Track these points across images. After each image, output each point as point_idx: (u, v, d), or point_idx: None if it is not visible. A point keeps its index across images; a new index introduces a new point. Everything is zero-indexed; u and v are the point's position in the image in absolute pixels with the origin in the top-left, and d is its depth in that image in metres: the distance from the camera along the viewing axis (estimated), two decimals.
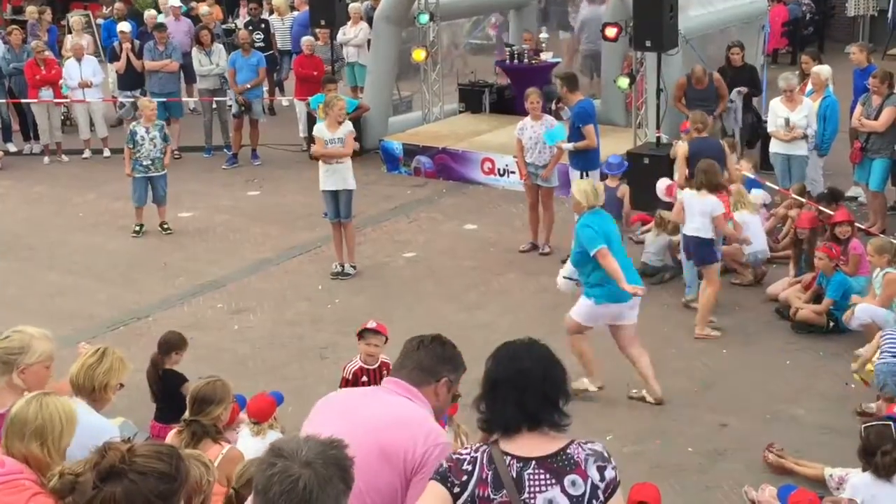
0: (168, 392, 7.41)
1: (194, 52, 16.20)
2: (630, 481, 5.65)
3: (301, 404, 8.17)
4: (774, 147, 12.03)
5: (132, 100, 15.99)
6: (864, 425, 6.51)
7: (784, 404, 8.25)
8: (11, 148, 16.79)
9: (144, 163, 12.42)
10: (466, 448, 3.50)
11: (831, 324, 9.33)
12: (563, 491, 3.35)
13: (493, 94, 16.75)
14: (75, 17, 18.72)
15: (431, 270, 11.34)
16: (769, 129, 12.12)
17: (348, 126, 10.99)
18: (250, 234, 12.65)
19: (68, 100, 16.23)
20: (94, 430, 4.67)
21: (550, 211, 11.53)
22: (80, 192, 14.61)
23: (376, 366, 7.15)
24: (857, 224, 10.32)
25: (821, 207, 10.67)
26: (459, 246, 12.00)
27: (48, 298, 10.85)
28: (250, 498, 2.91)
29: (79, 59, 16.05)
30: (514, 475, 3.37)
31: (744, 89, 13.38)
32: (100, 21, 20.99)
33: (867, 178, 11.69)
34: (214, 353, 9.28)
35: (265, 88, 16.82)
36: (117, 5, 19.63)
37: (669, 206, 10.98)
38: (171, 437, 5.75)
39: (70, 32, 18.06)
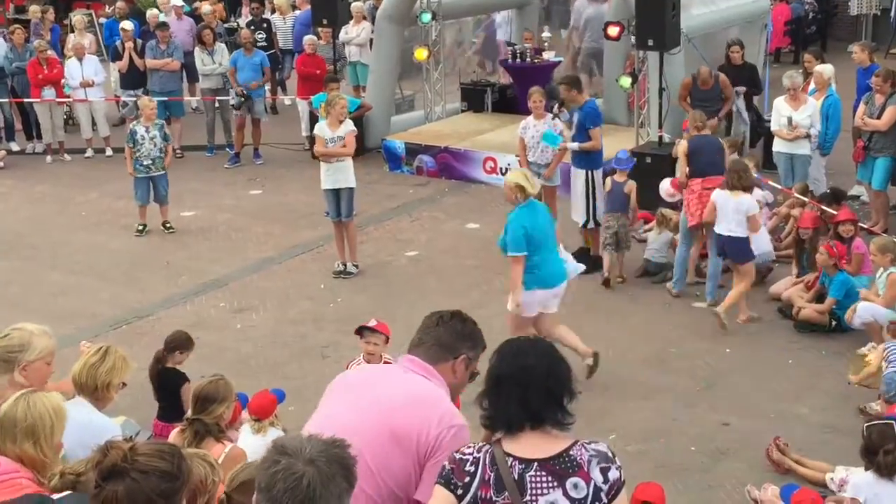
0: (167, 390, 7.41)
1: (196, 51, 16.22)
2: (633, 481, 5.65)
3: (303, 403, 8.20)
4: (777, 146, 12.02)
5: (135, 99, 15.97)
6: (866, 424, 6.51)
7: (786, 403, 8.25)
8: (14, 147, 16.82)
9: (145, 162, 12.43)
10: (469, 448, 3.46)
11: (834, 323, 9.32)
12: (565, 494, 3.33)
13: (495, 93, 16.76)
14: (78, 17, 18.74)
15: (434, 269, 11.34)
16: (772, 128, 12.11)
17: (350, 125, 10.99)
18: (253, 233, 12.65)
19: (70, 99, 16.24)
20: (96, 428, 4.68)
21: (553, 210, 11.50)
22: (83, 191, 14.62)
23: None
24: (859, 223, 10.31)
25: (823, 207, 10.67)
26: (461, 245, 12.00)
27: (51, 297, 10.85)
28: (255, 495, 2.90)
29: (80, 59, 16.05)
30: (516, 477, 3.34)
31: (742, 88, 13.38)
32: (102, 20, 21.01)
33: (870, 176, 11.69)
34: (217, 351, 9.28)
35: (267, 87, 16.82)
36: (119, 4, 19.63)
37: (671, 205, 11.00)
38: (174, 435, 5.76)
39: (72, 32, 18.07)
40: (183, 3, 18.76)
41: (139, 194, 12.60)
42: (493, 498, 3.35)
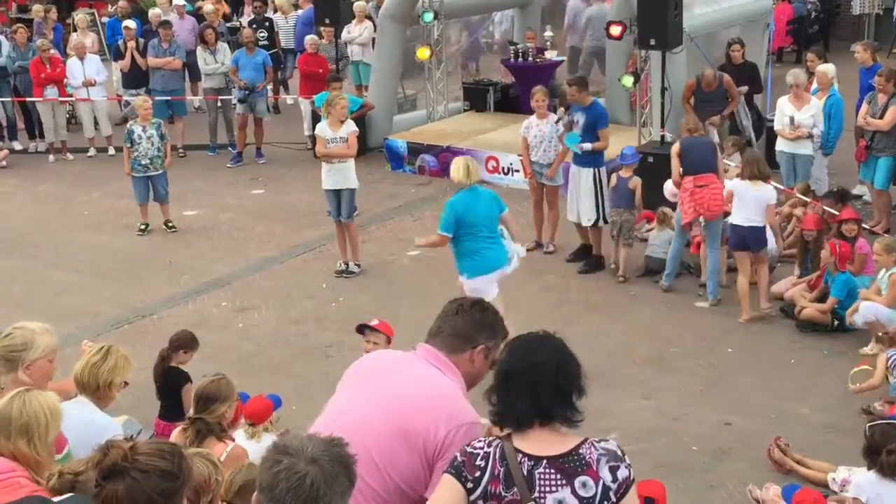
0: (169, 389, 7.41)
1: (199, 50, 16.22)
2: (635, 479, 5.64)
3: (305, 402, 8.20)
4: (780, 146, 12.02)
5: (135, 98, 15.99)
6: (868, 424, 6.50)
7: (788, 403, 8.24)
8: (17, 146, 16.83)
9: (143, 162, 12.41)
10: (480, 442, 3.45)
11: (836, 322, 9.32)
12: (574, 492, 3.32)
13: (497, 92, 16.75)
14: (80, 16, 18.74)
15: (436, 269, 11.31)
16: (776, 128, 12.10)
17: (351, 126, 10.99)
18: (255, 232, 12.66)
19: (73, 98, 16.25)
20: (97, 428, 4.68)
21: (556, 210, 11.53)
22: (85, 190, 14.63)
23: None
24: (862, 223, 10.30)
25: (825, 207, 10.67)
26: None
27: (53, 296, 10.86)
28: (255, 495, 2.90)
29: (81, 58, 16.06)
30: (525, 473, 3.34)
31: (744, 88, 13.37)
32: (105, 19, 21.02)
33: (872, 176, 11.68)
34: (219, 351, 9.29)
35: (269, 87, 16.82)
36: (121, 3, 19.64)
37: (673, 204, 11.00)
38: (176, 435, 5.76)
39: (75, 31, 18.08)
40: (185, 2, 18.75)
41: (138, 193, 12.61)
42: (503, 493, 3.35)
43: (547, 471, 3.34)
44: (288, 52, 18.53)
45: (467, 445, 3.45)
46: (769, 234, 10.44)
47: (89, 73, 16.00)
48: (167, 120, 16.03)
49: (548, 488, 3.33)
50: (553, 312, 9.56)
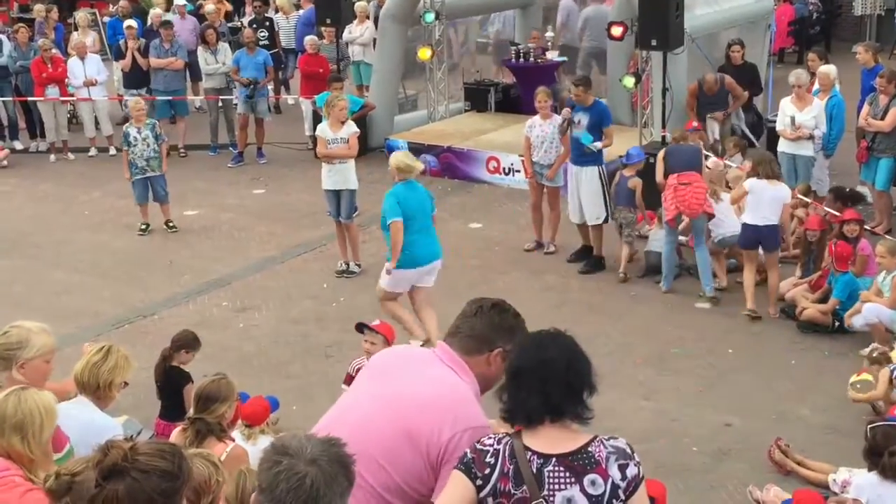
0: (170, 389, 7.41)
1: (200, 50, 16.22)
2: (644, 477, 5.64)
3: (305, 403, 8.22)
4: (781, 146, 12.02)
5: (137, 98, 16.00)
6: (869, 426, 6.49)
7: (789, 404, 8.24)
8: (18, 146, 16.83)
9: (139, 164, 12.39)
10: (490, 439, 3.45)
11: (836, 324, 9.31)
12: (583, 490, 3.33)
13: (498, 92, 16.75)
14: (81, 15, 18.72)
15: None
16: (777, 128, 12.11)
17: (353, 126, 11.00)
18: (255, 232, 12.66)
19: (74, 98, 16.25)
20: (98, 427, 4.68)
21: (557, 210, 11.53)
22: (86, 190, 14.64)
23: None
24: (864, 224, 10.30)
25: (826, 208, 10.66)
26: (464, 245, 11.99)
27: (54, 296, 10.86)
28: (254, 495, 2.90)
29: (82, 58, 16.06)
30: (535, 471, 3.35)
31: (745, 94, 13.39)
32: (106, 19, 21.02)
33: (873, 177, 11.67)
34: (219, 351, 9.28)
35: (270, 87, 16.82)
36: (122, 3, 19.64)
37: None
38: (176, 435, 5.75)
39: (76, 30, 18.09)
40: (186, 2, 18.75)
41: (137, 194, 12.61)
42: (512, 491, 3.36)
43: (556, 468, 3.35)
44: (289, 52, 18.53)
45: (477, 443, 3.45)
46: None
47: (90, 73, 16.00)
48: (169, 120, 16.05)
49: (557, 486, 3.34)
50: (554, 313, 9.55)
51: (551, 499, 3.33)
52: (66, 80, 15.94)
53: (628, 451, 3.41)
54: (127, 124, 12.81)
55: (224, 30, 18.21)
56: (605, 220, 11.05)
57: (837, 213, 10.30)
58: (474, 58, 19.25)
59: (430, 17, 15.45)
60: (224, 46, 16.25)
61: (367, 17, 17.28)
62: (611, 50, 15.18)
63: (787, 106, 11.87)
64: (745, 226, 9.85)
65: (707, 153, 12.23)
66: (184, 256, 11.97)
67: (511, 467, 3.37)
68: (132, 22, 17.03)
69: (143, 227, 12.70)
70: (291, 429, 6.62)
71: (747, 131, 13.67)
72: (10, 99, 16.54)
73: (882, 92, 11.51)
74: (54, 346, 4.95)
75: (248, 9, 20.71)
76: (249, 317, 10.26)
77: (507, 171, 14.01)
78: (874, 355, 8.07)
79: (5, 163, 15.96)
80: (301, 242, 12.23)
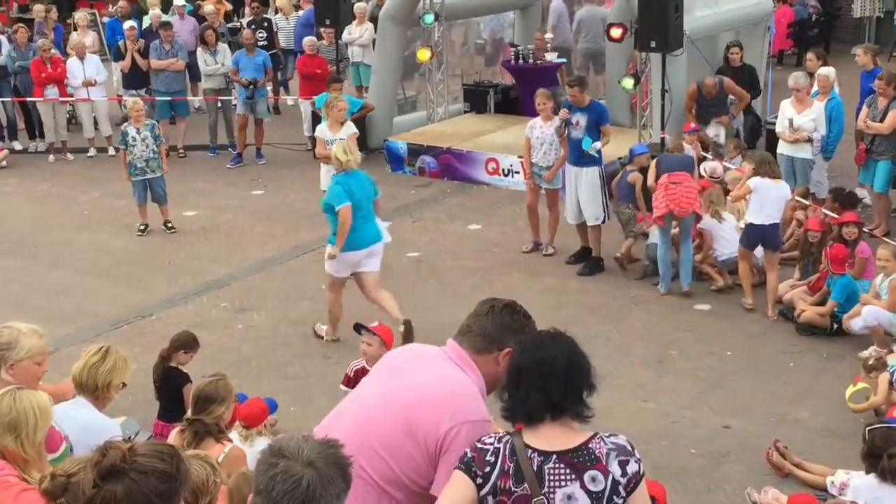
0: (168, 390, 7.40)
1: (199, 51, 16.22)
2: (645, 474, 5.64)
3: (304, 404, 8.22)
4: (780, 148, 12.03)
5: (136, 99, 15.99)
6: (868, 428, 6.50)
7: (787, 406, 8.24)
8: (17, 146, 16.83)
9: (139, 165, 12.38)
10: (490, 438, 3.48)
11: (835, 326, 9.31)
12: (583, 487, 3.35)
13: (497, 94, 16.76)
14: (81, 15, 18.73)
15: (435, 270, 11.34)
16: (777, 130, 12.12)
17: (352, 127, 11.00)
18: (254, 233, 12.65)
19: (73, 98, 16.24)
20: (95, 428, 4.68)
21: (555, 212, 11.52)
22: (85, 190, 14.63)
23: None
24: (863, 227, 10.30)
25: (825, 210, 10.67)
26: (463, 246, 12.00)
27: (52, 296, 10.86)
28: (251, 497, 2.90)
29: (81, 58, 16.06)
30: (535, 468, 3.37)
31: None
32: (105, 19, 21.02)
33: (872, 179, 11.68)
34: (218, 352, 9.28)
35: (269, 88, 16.83)
36: (121, 3, 19.65)
37: None
38: (174, 436, 5.75)
39: (76, 31, 18.08)
40: (185, 3, 18.75)
41: (137, 195, 12.61)
42: (513, 489, 3.38)
43: (556, 465, 3.37)
44: (288, 52, 18.54)
45: (477, 441, 3.48)
46: None
47: (89, 74, 16.00)
48: (169, 121, 16.05)
49: (557, 483, 3.36)
50: (553, 314, 9.54)
51: (552, 496, 3.35)
52: (66, 80, 15.93)
53: (629, 447, 3.44)
54: (126, 124, 12.81)
55: (223, 30, 18.22)
56: (603, 221, 11.06)
57: (836, 215, 10.30)
58: (472, 59, 19.27)
59: (430, 18, 15.46)
60: (223, 47, 16.26)
61: (367, 19, 17.29)
62: (610, 51, 15.19)
63: (786, 108, 11.88)
64: (750, 226, 9.87)
65: (704, 154, 12.26)
66: (182, 257, 11.97)
67: (511, 465, 3.39)
68: (132, 23, 17.02)
69: (142, 227, 12.70)
70: (289, 430, 6.63)
71: (742, 130, 13.70)
72: (9, 99, 16.53)
73: (881, 94, 11.52)
74: (45, 348, 4.91)
75: (247, 10, 20.73)
76: (248, 318, 10.26)
77: (506, 172, 14.01)
78: (870, 363, 8.06)
79: (4, 163, 15.96)
80: (300, 243, 12.23)
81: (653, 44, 12.28)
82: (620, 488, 3.36)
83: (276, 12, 19.53)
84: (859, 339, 9.08)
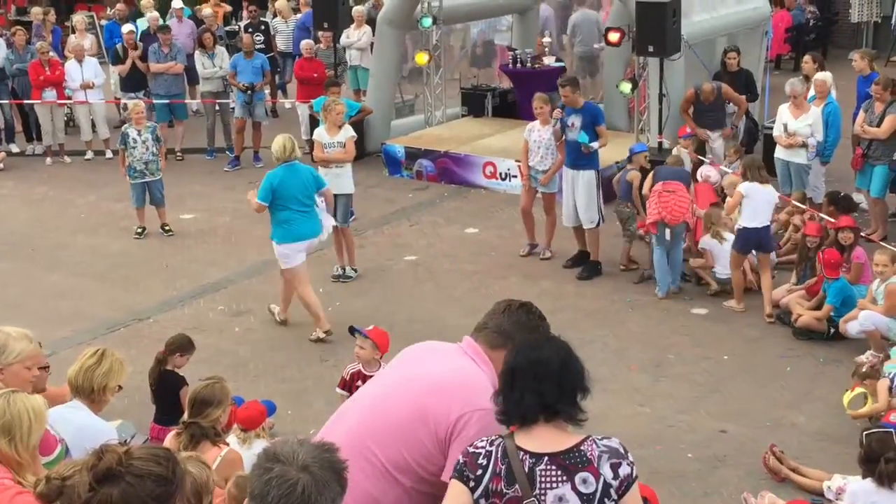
0: (165, 393, 7.40)
1: (197, 54, 16.23)
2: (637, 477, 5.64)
3: (300, 407, 8.21)
4: (777, 152, 12.04)
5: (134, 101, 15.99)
6: (865, 433, 6.49)
7: (784, 411, 8.24)
8: (14, 149, 16.82)
9: (138, 167, 12.38)
10: (483, 441, 3.51)
11: (832, 330, 9.32)
12: (574, 489, 3.36)
13: (495, 97, 16.77)
14: (79, 18, 18.75)
15: (432, 274, 11.34)
16: (774, 134, 12.13)
17: (350, 131, 11.00)
18: (252, 236, 12.62)
19: (71, 101, 16.24)
20: (91, 431, 4.68)
21: (552, 216, 11.52)
22: (82, 193, 14.63)
23: (375, 373, 6.94)
24: (859, 231, 10.31)
25: (822, 215, 10.68)
26: (460, 250, 12.00)
27: (49, 299, 10.85)
28: (246, 502, 2.90)
29: (80, 61, 16.06)
30: (527, 470, 3.39)
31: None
32: (103, 22, 21.04)
33: (868, 184, 11.69)
34: (215, 354, 9.28)
35: (267, 91, 16.84)
36: (119, 6, 19.66)
37: None
38: (170, 439, 5.75)
39: (74, 33, 18.08)
40: (183, 6, 18.76)
41: (135, 197, 12.61)
42: (504, 490, 3.40)
43: (548, 467, 3.39)
44: (286, 56, 18.55)
45: (469, 446, 3.53)
46: None
47: (87, 76, 16.00)
48: (167, 124, 16.04)
49: (548, 485, 3.38)
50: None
51: (543, 497, 3.37)
52: (64, 83, 15.93)
53: (621, 450, 3.45)
54: (126, 125, 12.81)
55: (221, 34, 18.23)
56: (597, 225, 11.06)
57: (833, 220, 10.31)
58: (459, 62, 19.27)
59: (428, 21, 15.47)
60: (221, 50, 16.27)
61: (365, 22, 17.30)
62: (608, 56, 15.21)
63: (783, 113, 11.90)
64: (745, 230, 9.91)
65: (701, 159, 12.27)
66: (180, 260, 11.96)
67: (503, 467, 3.42)
68: (131, 27, 17.02)
69: (140, 230, 12.69)
70: (286, 433, 6.64)
71: (741, 132, 13.72)
72: (7, 102, 16.53)
73: (877, 99, 11.53)
74: (35, 353, 4.86)
75: (245, 13, 20.75)
76: (245, 321, 10.25)
77: (503, 176, 14.01)
78: (863, 370, 8.05)
79: (1, 165, 15.95)
80: None
81: (650, 48, 12.29)
82: (612, 491, 3.38)
83: (275, 16, 19.54)
84: (856, 344, 9.09)
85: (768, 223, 10.05)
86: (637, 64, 13.42)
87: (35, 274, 11.64)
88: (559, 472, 3.38)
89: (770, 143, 12.61)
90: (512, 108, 16.58)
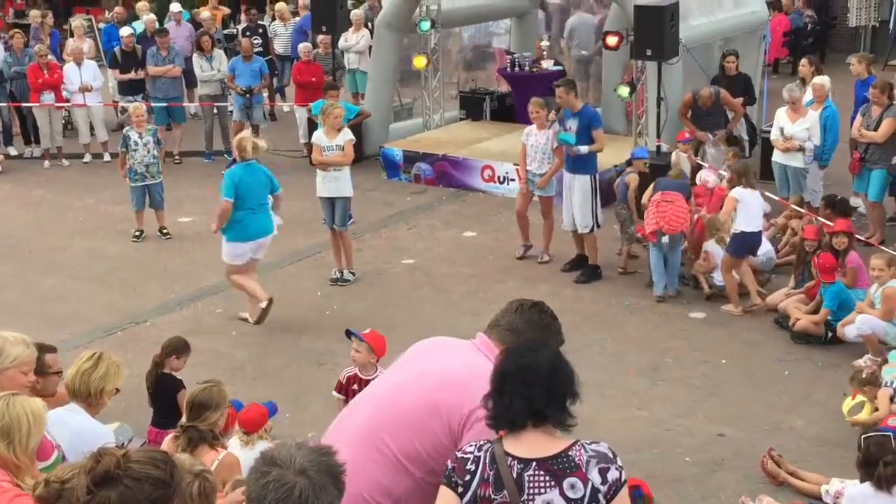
0: (163, 396, 7.38)
1: (195, 57, 16.23)
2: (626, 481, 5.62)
3: (298, 411, 8.20)
4: (774, 156, 12.06)
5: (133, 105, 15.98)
6: (863, 436, 6.48)
7: (782, 415, 8.24)
8: (12, 151, 16.80)
9: (139, 170, 12.38)
10: (471, 447, 3.52)
11: (830, 334, 9.32)
12: (562, 494, 3.36)
13: (493, 101, 16.78)
14: (77, 22, 18.74)
15: (430, 277, 11.34)
16: (771, 138, 12.14)
17: (348, 134, 11.00)
18: None
19: (69, 104, 16.23)
20: (89, 434, 4.67)
21: (550, 219, 11.53)
22: (80, 196, 14.62)
23: (371, 377, 6.81)
24: (856, 235, 10.32)
25: (820, 218, 10.68)
26: (458, 253, 12.00)
27: (47, 302, 10.84)
28: None
29: (78, 64, 16.05)
30: (515, 476, 3.39)
31: (739, 100, 13.42)
32: (101, 25, 21.03)
33: (866, 188, 11.70)
34: (212, 358, 9.27)
35: (265, 94, 16.84)
36: (117, 9, 19.67)
37: None
38: (167, 442, 5.74)
39: (72, 36, 18.08)
40: (181, 9, 18.76)
41: (135, 201, 12.61)
42: (492, 496, 3.40)
43: (536, 473, 3.39)
44: (284, 59, 18.54)
45: (458, 451, 3.54)
46: (764, 240, 10.73)
47: (86, 79, 15.99)
48: (165, 127, 16.04)
49: (536, 490, 3.38)
50: None
51: (531, 503, 3.37)
52: (62, 86, 15.92)
53: (610, 455, 3.45)
54: (127, 128, 12.81)
55: (219, 37, 18.23)
56: (591, 230, 11.05)
57: (830, 223, 10.32)
58: (455, 65, 19.28)
59: (426, 25, 15.48)
60: (219, 53, 16.27)
61: (363, 25, 17.30)
62: (606, 59, 15.22)
63: (780, 117, 11.91)
64: (743, 234, 9.99)
65: (701, 163, 12.27)
66: (177, 263, 11.96)
67: (491, 473, 3.42)
68: (130, 30, 17.02)
69: (138, 233, 12.69)
70: (284, 436, 6.62)
71: (744, 135, 13.73)
72: (5, 104, 16.52)
73: (875, 103, 11.54)
74: (31, 357, 4.83)
75: (243, 16, 20.75)
76: (243, 324, 10.24)
77: (501, 179, 14.02)
78: (863, 376, 8.04)
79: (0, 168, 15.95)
80: (295, 250, 12.22)
81: (648, 52, 12.30)
82: (600, 496, 3.38)
83: (273, 19, 19.54)
84: (854, 348, 9.09)
85: (761, 228, 10.26)
86: (635, 68, 13.43)
87: (32, 277, 11.64)
88: (547, 478, 3.38)
89: (768, 147, 12.61)
90: (510, 111, 16.59)
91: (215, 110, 16.07)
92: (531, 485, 3.38)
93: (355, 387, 6.82)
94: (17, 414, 4.00)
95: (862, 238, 10.98)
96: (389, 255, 12.05)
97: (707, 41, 14.32)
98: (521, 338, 3.93)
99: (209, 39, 16.21)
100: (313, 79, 15.49)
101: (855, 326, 8.95)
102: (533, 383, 3.45)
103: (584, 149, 10.88)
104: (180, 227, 13.06)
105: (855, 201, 12.42)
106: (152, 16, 18.28)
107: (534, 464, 3.39)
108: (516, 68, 16.52)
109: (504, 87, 17.40)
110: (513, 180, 13.50)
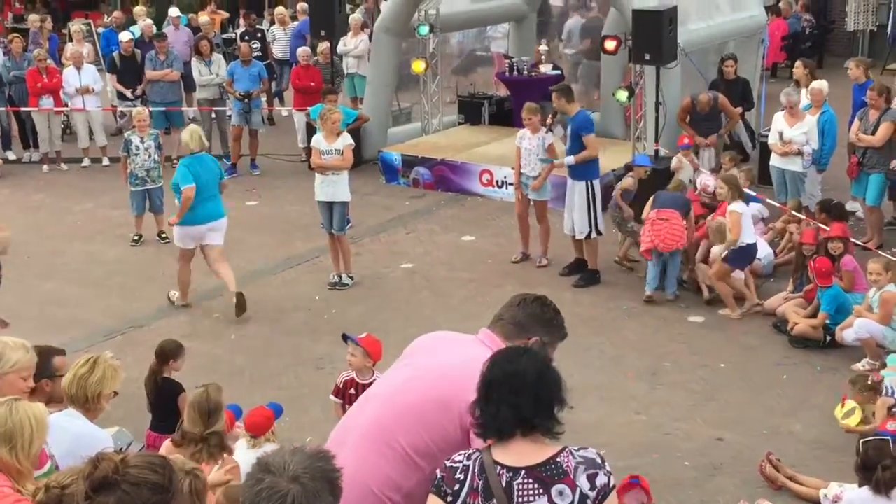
0: (163, 402, 7.36)
1: (194, 61, 16.24)
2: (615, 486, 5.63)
3: (297, 414, 8.20)
4: (772, 160, 12.06)
5: (132, 109, 15.97)
6: (861, 440, 6.50)
7: (781, 419, 8.24)
8: (10, 156, 16.80)
9: (140, 174, 12.39)
10: (460, 455, 3.51)
11: (828, 338, 9.32)
12: (551, 501, 3.36)
13: (492, 105, 16.79)
14: (76, 26, 18.73)
15: (429, 282, 11.34)
16: (769, 142, 12.15)
17: (347, 138, 11.00)
18: (248, 243, 12.63)
19: (68, 108, 16.24)
20: (87, 439, 4.66)
21: (545, 223, 11.53)
22: (79, 200, 14.61)
23: (368, 381, 6.78)
24: (854, 239, 10.33)
25: (818, 223, 10.68)
26: (457, 257, 12.00)
27: (45, 307, 10.83)
28: None
29: (78, 68, 16.06)
30: (504, 485, 3.39)
31: (738, 110, 13.44)
32: (100, 30, 21.04)
33: (864, 192, 11.70)
34: (211, 362, 9.27)
35: (264, 99, 16.84)
36: (115, 14, 19.67)
37: None
38: (166, 447, 5.73)
39: (71, 41, 18.09)
40: (180, 14, 18.77)
41: (135, 205, 12.61)
42: None
43: (525, 481, 3.39)
44: (283, 63, 18.55)
45: (447, 460, 3.54)
46: (763, 243, 10.81)
47: (86, 83, 15.99)
48: (164, 131, 16.05)
49: (525, 498, 3.37)
50: None
51: None
52: (61, 90, 15.91)
53: (598, 460, 3.46)
54: (129, 132, 12.81)
55: (218, 41, 18.24)
56: (588, 236, 11.05)
57: (826, 227, 10.32)
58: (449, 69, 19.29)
59: (425, 29, 15.49)
60: (218, 57, 16.28)
61: (362, 30, 17.31)
62: (604, 64, 15.24)
63: (778, 121, 11.92)
64: (749, 246, 10.16)
65: (702, 169, 12.27)
66: (176, 267, 11.92)
67: (480, 482, 3.42)
68: (129, 34, 17.02)
69: (136, 237, 12.69)
70: (282, 440, 6.61)
71: (746, 138, 13.75)
72: (4, 109, 16.52)
73: (872, 106, 11.55)
74: (31, 363, 4.83)
75: (242, 21, 20.76)
76: (241, 328, 10.24)
77: (500, 184, 14.02)
78: (868, 382, 8.03)
79: None
80: (294, 254, 12.22)
81: (647, 56, 12.31)
82: (589, 502, 3.38)
83: (272, 23, 19.55)
84: (853, 352, 9.10)
85: (756, 235, 10.48)
86: (633, 72, 13.44)
87: (31, 281, 11.62)
88: (536, 485, 3.38)
89: (766, 151, 12.62)
90: (509, 115, 16.58)
91: (214, 114, 16.08)
92: (520, 493, 3.37)
93: (352, 391, 6.82)
94: (20, 419, 4.00)
95: (859, 242, 10.99)
96: (388, 259, 12.05)
97: (705, 45, 14.33)
98: (525, 332, 4.00)
99: (208, 44, 16.22)
100: (312, 83, 15.51)
101: (853, 330, 8.96)
102: (520, 390, 3.44)
103: (569, 159, 10.89)
104: None
105: (853, 205, 12.43)
106: (149, 21, 18.27)
107: (522, 472, 3.39)
108: (515, 72, 16.53)
109: (503, 92, 17.42)
110: (511, 184, 13.48)
